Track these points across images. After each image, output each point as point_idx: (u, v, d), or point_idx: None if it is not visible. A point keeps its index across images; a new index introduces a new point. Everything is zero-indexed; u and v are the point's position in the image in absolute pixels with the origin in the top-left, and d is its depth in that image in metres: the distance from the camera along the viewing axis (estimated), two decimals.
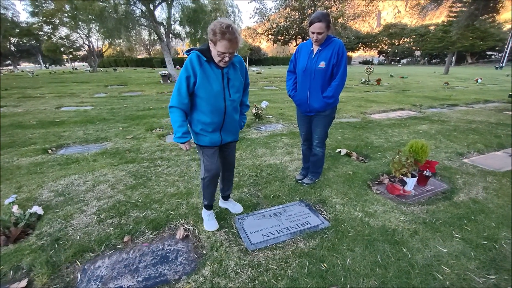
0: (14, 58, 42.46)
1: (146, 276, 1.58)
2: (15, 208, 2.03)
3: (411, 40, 56.62)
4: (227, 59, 1.56)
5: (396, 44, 60.02)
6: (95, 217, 2.14)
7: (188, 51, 1.63)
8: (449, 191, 2.58)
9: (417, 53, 58.75)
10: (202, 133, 1.76)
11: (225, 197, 2.28)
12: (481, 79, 15.30)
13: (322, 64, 2.22)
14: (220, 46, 1.49)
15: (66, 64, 56.44)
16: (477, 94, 10.08)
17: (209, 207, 2.06)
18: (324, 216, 2.18)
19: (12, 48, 39.76)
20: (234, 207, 2.27)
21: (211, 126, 1.74)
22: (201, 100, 1.66)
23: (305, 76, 2.32)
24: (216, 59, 1.58)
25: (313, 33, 2.14)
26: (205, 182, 1.91)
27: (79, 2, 13.09)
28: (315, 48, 2.26)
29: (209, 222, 2.03)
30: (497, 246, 1.81)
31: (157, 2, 13.90)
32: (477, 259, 1.70)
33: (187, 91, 1.61)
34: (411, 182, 2.51)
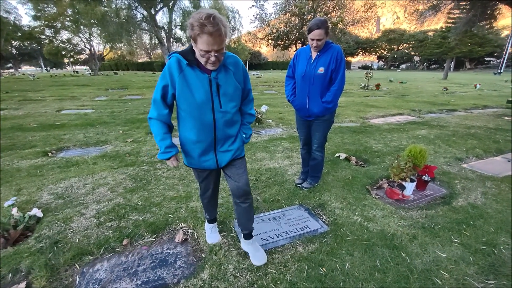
0: (16, 61, 42.69)
1: (145, 280, 1.57)
2: (14, 211, 2.03)
3: (410, 45, 57.11)
4: (213, 59, 1.22)
5: (395, 49, 60.52)
6: (95, 220, 2.14)
7: (169, 55, 1.35)
8: (448, 196, 2.59)
9: (416, 58, 59.19)
10: (191, 154, 1.47)
11: (247, 235, 1.76)
12: (479, 84, 15.40)
13: (321, 70, 2.25)
14: (201, 43, 1.16)
15: (67, 68, 56.74)
16: (475, 99, 10.14)
17: (211, 220, 1.92)
18: (323, 220, 2.18)
19: (14, 51, 40.03)
20: (256, 254, 1.73)
21: (200, 146, 1.43)
22: (184, 113, 1.37)
23: (304, 81, 2.35)
24: (201, 60, 1.25)
25: (312, 40, 2.17)
26: (204, 201, 1.79)
27: (81, 6, 13.22)
28: (314, 54, 2.29)
29: (212, 235, 1.92)
30: (496, 252, 1.81)
31: (159, 7, 14.06)
32: (476, 264, 1.70)
33: (163, 102, 1.35)
34: (410, 186, 2.52)
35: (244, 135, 1.58)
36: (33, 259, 1.70)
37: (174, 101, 1.41)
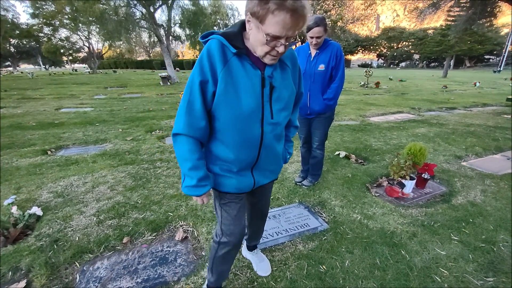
0: (14, 59, 42.49)
1: (145, 278, 1.58)
2: (14, 209, 2.03)
3: (410, 43, 57.00)
4: (281, 49, 0.85)
5: (395, 47, 60.42)
6: (94, 218, 2.14)
7: (205, 36, 0.96)
8: (447, 194, 2.59)
9: (416, 56, 59.13)
10: (223, 174, 1.09)
11: (252, 247, 1.66)
12: (479, 82, 15.39)
13: (322, 67, 2.26)
14: (273, 24, 0.79)
15: (66, 66, 56.57)
16: (475, 97, 10.14)
17: None
18: (323, 218, 2.19)
19: (12, 49, 39.83)
20: (260, 264, 1.62)
21: (237, 165, 1.06)
22: (222, 124, 0.98)
23: (304, 79, 2.34)
24: (259, 50, 0.88)
25: (312, 37, 2.17)
26: (219, 251, 1.23)
27: (79, 4, 13.15)
28: (313, 52, 2.29)
29: None
30: (495, 249, 1.82)
31: (158, 4, 13.98)
32: (475, 261, 1.71)
33: (203, 107, 0.93)
34: (409, 184, 2.52)
35: (288, 155, 1.28)
36: (33, 257, 1.70)
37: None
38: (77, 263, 1.68)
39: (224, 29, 0.95)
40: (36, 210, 2.12)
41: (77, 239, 1.89)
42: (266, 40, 0.82)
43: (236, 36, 0.91)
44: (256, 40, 0.86)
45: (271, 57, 0.90)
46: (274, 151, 1.10)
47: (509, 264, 1.69)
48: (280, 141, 1.14)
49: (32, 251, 1.75)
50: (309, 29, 2.15)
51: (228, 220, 1.18)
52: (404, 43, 58.66)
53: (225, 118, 0.95)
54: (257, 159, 1.07)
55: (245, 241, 1.70)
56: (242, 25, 0.93)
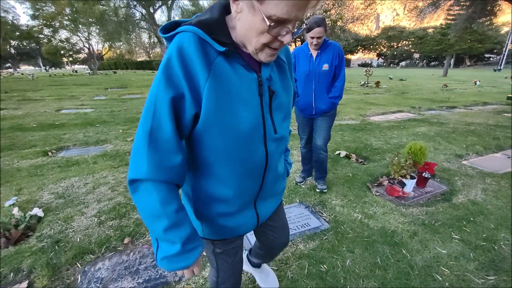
0: (14, 60, 42.61)
1: (147, 278, 1.58)
2: (15, 210, 2.04)
3: (410, 42, 57.02)
4: (287, 38, 0.59)
5: (395, 46, 60.42)
6: (96, 219, 2.14)
7: (168, 29, 0.66)
8: (448, 193, 2.59)
9: (416, 55, 59.13)
10: (217, 218, 0.82)
11: (258, 265, 1.44)
12: (479, 81, 15.37)
13: (326, 67, 2.29)
14: (278, 1, 0.52)
15: (66, 67, 56.67)
16: (475, 96, 10.13)
17: None
18: (324, 217, 2.19)
19: (12, 51, 39.94)
20: (268, 279, 1.45)
21: (237, 203, 0.79)
22: (213, 154, 0.70)
23: (308, 79, 2.35)
24: (254, 42, 0.61)
25: (312, 38, 2.18)
26: None
27: (79, 5, 13.18)
28: (314, 52, 2.31)
29: None
30: (496, 248, 1.82)
31: (157, 5, 14.01)
32: (476, 260, 1.71)
33: (176, 135, 0.63)
34: (410, 183, 2.52)
35: (289, 167, 1.05)
36: (34, 258, 1.70)
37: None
38: (78, 264, 1.68)
39: (196, 16, 0.65)
40: (37, 211, 2.12)
41: (78, 240, 1.90)
42: (269, 26, 0.55)
43: (219, 26, 0.63)
44: (249, 27, 0.59)
45: (270, 52, 0.63)
46: (277, 173, 0.84)
47: (510, 262, 1.69)
48: (281, 158, 0.89)
49: (34, 252, 1.76)
50: (309, 29, 2.16)
51: (228, 270, 0.95)
52: (404, 42, 58.67)
53: (218, 145, 0.67)
54: (261, 188, 0.81)
55: (246, 255, 1.45)
56: (223, 9, 0.65)
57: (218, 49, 0.61)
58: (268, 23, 0.55)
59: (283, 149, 0.85)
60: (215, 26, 0.62)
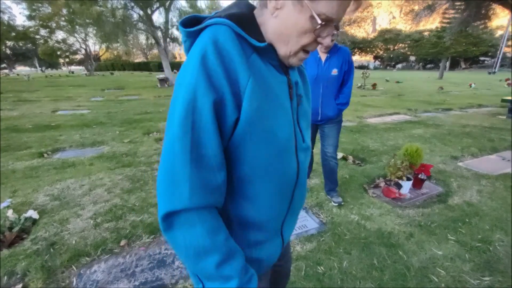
0: (10, 61, 42.29)
1: (143, 281, 1.57)
2: (10, 213, 2.01)
3: (406, 45, 57.52)
4: (328, 41, 0.57)
5: (391, 49, 60.94)
6: (91, 221, 2.12)
7: (193, 22, 0.58)
8: (443, 194, 2.61)
9: (412, 58, 59.67)
10: (250, 250, 0.65)
11: None
12: (474, 84, 15.56)
13: (335, 71, 2.21)
14: (327, 3, 0.50)
15: (62, 68, 56.32)
16: (470, 98, 10.24)
17: None
18: (321, 219, 2.19)
19: (8, 51, 39.62)
20: None
21: (268, 228, 0.66)
22: (250, 170, 0.58)
23: (316, 84, 2.27)
24: (293, 42, 0.56)
25: None
26: None
27: (76, 6, 13.12)
28: (323, 56, 2.23)
29: None
30: (491, 248, 1.84)
31: (155, 6, 13.99)
32: (472, 261, 1.72)
33: (221, 149, 0.53)
34: (406, 185, 2.54)
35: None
36: (29, 261, 1.69)
37: None
38: (74, 267, 1.67)
39: (218, 12, 0.58)
40: (32, 213, 2.10)
41: (74, 242, 1.88)
42: (320, 24, 0.51)
43: (250, 21, 0.57)
44: (291, 26, 0.53)
45: (303, 56, 0.59)
46: (304, 188, 0.72)
47: (505, 263, 1.70)
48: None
49: (28, 255, 1.74)
50: None
51: None
52: (401, 45, 59.19)
53: (255, 156, 0.57)
54: (289, 207, 0.68)
55: None
56: (250, 4, 0.60)
57: (256, 45, 0.54)
58: (319, 22, 0.51)
59: (308, 161, 0.74)
60: (247, 21, 0.56)
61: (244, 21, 0.55)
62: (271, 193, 0.62)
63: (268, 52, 0.57)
